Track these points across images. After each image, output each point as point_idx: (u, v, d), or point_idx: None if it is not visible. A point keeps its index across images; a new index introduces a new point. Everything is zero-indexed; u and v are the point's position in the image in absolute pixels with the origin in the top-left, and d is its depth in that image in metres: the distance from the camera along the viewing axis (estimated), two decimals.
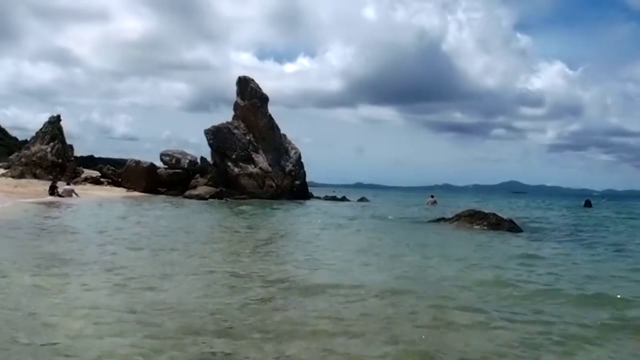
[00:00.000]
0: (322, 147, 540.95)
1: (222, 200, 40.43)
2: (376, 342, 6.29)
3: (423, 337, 6.54)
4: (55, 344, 5.69)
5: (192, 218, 24.22)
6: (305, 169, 50.81)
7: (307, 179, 52.07)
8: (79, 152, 65.88)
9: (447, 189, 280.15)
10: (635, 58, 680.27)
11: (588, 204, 58.88)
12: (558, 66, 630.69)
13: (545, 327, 7.08)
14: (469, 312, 7.78)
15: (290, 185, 47.99)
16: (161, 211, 27.24)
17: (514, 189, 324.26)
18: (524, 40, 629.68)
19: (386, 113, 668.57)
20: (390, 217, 29.46)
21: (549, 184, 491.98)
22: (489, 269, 11.84)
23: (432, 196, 50.56)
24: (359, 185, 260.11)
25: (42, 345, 5.64)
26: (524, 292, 9.36)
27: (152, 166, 45.91)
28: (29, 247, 12.35)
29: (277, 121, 50.46)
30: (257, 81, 50.47)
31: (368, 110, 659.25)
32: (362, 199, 54.68)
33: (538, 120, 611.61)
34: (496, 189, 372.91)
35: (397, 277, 10.61)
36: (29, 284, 8.40)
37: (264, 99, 49.75)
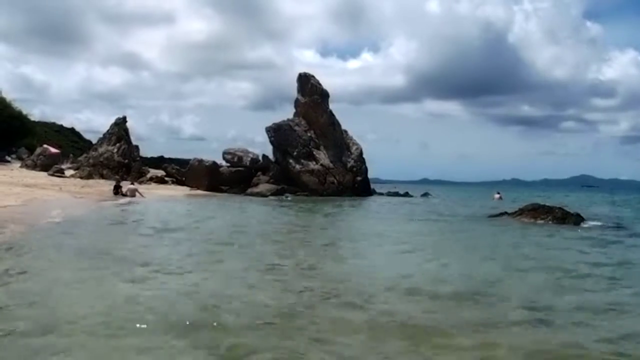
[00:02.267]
0: (387, 143, 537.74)
1: (284, 197, 40.52)
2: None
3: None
4: None
5: (246, 216, 24.21)
6: (370, 165, 50.38)
7: (372, 176, 51.74)
8: (149, 153, 68.01)
9: (516, 183, 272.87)
10: None
11: None
12: (631, 55, 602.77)
13: None
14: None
15: (352, 181, 47.60)
16: (213, 209, 27.40)
17: (585, 183, 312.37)
18: (594, 28, 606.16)
19: (451, 107, 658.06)
20: (447, 213, 28.72)
21: (622, 177, 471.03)
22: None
23: (498, 192, 49.56)
24: (424, 181, 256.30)
25: None
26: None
27: (215, 165, 46.41)
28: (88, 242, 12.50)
29: (341, 118, 50.30)
30: (320, 78, 50.40)
31: (433, 105, 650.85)
32: (425, 194, 53.95)
33: (610, 112, 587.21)
34: (566, 183, 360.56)
35: (446, 276, 10.13)
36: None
37: (324, 95, 49.54)
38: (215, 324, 6.31)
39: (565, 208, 23.17)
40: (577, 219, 21.72)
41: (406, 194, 52.27)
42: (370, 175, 51.43)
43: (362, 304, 7.52)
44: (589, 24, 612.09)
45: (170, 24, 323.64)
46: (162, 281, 8.65)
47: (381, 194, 51.52)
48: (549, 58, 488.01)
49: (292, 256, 11.77)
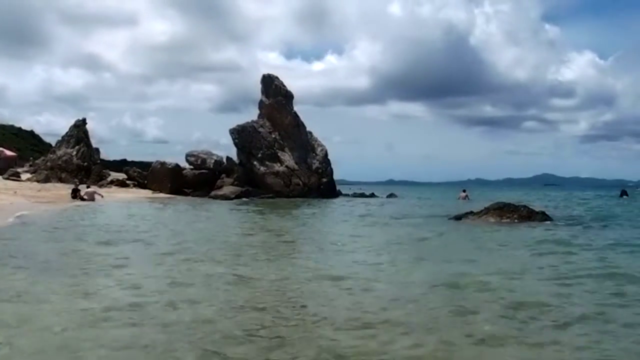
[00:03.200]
0: (353, 144, 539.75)
1: (248, 200, 39.98)
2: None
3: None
4: None
5: (205, 220, 23.65)
6: (336, 167, 50.18)
7: (338, 177, 51.55)
8: (111, 156, 66.59)
9: (480, 183, 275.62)
10: None
11: (624, 194, 57.35)
12: (588, 56, 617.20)
13: None
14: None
15: (318, 182, 47.27)
16: (179, 212, 26.75)
17: (547, 182, 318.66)
18: (552, 31, 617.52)
19: (415, 109, 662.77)
20: (416, 212, 28.67)
21: (583, 175, 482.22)
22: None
23: (464, 191, 49.58)
24: (390, 182, 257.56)
25: None
26: None
27: (177, 167, 45.59)
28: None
29: (306, 120, 49.95)
30: (284, 80, 49.92)
31: (397, 107, 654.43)
32: (391, 195, 53.96)
33: (570, 112, 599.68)
34: (529, 182, 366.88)
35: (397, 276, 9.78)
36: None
37: (288, 97, 49.10)
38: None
39: (531, 206, 23.16)
40: (542, 217, 21.76)
41: (372, 195, 52.30)
42: (336, 177, 51.32)
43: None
44: (547, 26, 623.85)
45: (133, 25, 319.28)
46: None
47: (347, 195, 51.34)
48: (509, 60, 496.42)
49: (233, 264, 11.17)
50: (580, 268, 10.72)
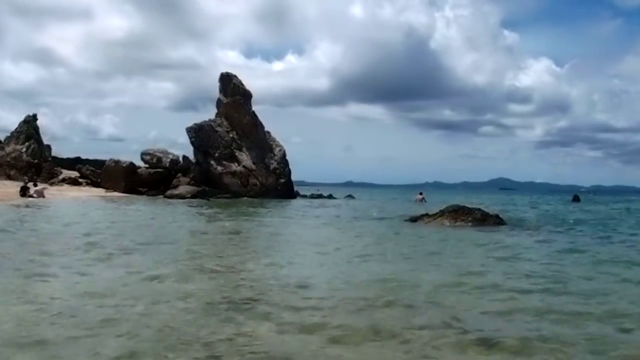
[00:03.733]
0: (312, 146, 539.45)
1: (204, 200, 39.40)
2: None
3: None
4: None
5: (158, 218, 23.10)
6: (295, 168, 49.89)
7: (297, 178, 51.36)
8: (64, 153, 64.71)
9: (437, 186, 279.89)
10: (621, 55, 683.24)
11: (576, 199, 58.85)
12: (545, 63, 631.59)
13: None
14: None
15: (275, 183, 46.93)
16: (128, 211, 26.12)
17: (503, 186, 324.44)
18: (511, 37, 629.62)
19: (375, 111, 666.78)
20: (372, 214, 28.69)
21: (537, 180, 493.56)
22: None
23: (421, 193, 50.14)
24: (349, 184, 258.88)
25: None
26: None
27: (132, 166, 44.71)
28: None
29: (266, 120, 49.56)
30: (244, 79, 49.45)
31: (357, 109, 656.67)
32: (349, 197, 54.07)
33: (526, 117, 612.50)
34: (486, 186, 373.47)
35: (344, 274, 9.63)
36: None
37: (247, 96, 48.63)
38: None
39: (485, 210, 23.34)
40: (496, 220, 21.94)
41: (330, 197, 52.22)
42: (295, 178, 51.13)
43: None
44: (506, 32, 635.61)
45: (88, 19, 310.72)
46: None
47: (305, 196, 51.15)
48: (468, 64, 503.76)
49: (173, 263, 10.85)
50: (516, 271, 10.84)
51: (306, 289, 8.58)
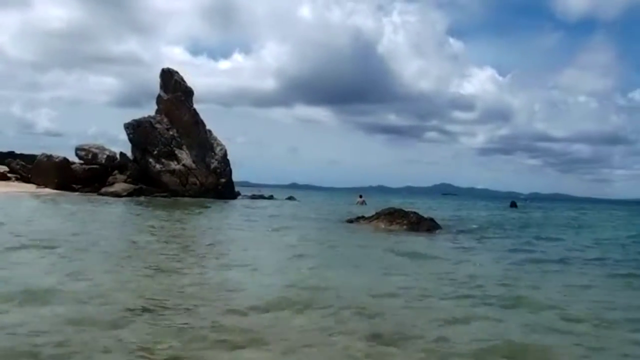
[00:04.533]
0: (257, 146, 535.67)
1: (140, 198, 38.35)
2: None
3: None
4: None
5: (80, 215, 22.24)
6: (240, 168, 49.37)
7: (241, 179, 50.86)
8: None
9: (381, 190, 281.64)
10: (560, 67, 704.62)
11: (513, 205, 60.25)
12: (488, 72, 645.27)
13: None
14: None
15: (216, 183, 46.08)
16: (53, 208, 25.06)
17: (445, 191, 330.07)
18: (456, 45, 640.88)
19: (321, 113, 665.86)
20: (309, 215, 28.51)
21: (478, 187, 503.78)
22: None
23: (361, 196, 50.43)
24: (294, 186, 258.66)
25: None
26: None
27: (65, 161, 43.08)
28: None
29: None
30: (190, 77, 48.51)
31: (303, 110, 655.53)
32: (290, 198, 53.84)
33: (469, 124, 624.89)
34: (428, 190, 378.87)
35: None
36: None
37: (188, 93, 47.62)
38: None
39: (422, 214, 23.36)
40: (431, 224, 21.96)
41: (271, 197, 51.93)
42: (239, 178, 50.56)
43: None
44: (452, 40, 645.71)
45: (25, 7, 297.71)
46: None
47: (246, 196, 50.57)
48: (414, 70, 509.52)
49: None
50: (423, 272, 10.85)
51: (226, 292, 8.21)
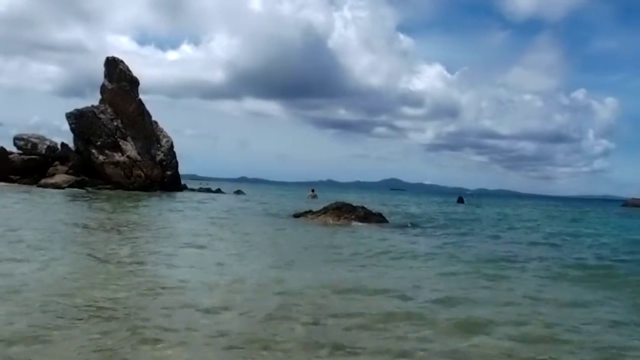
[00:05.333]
0: (206, 139, 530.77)
1: (82, 190, 37.11)
2: None
3: None
4: None
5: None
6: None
7: (190, 172, 50.28)
8: None
9: (331, 184, 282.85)
10: (507, 65, 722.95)
11: (460, 201, 61.12)
12: (437, 69, 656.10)
13: None
14: None
15: (161, 175, 45.08)
16: None
17: (394, 186, 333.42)
18: (406, 41, 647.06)
19: (271, 107, 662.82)
20: (256, 209, 28.13)
21: (427, 182, 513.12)
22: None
23: (313, 190, 50.35)
24: (243, 180, 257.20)
25: None
26: None
27: (2, 151, 41.34)
28: None
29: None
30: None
31: (253, 104, 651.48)
32: (238, 192, 53.19)
33: (418, 120, 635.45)
34: (377, 185, 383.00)
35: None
36: None
37: (133, 83, 46.31)
38: None
39: (369, 208, 23.21)
40: (379, 218, 21.85)
41: (218, 191, 51.21)
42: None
43: None
44: (401, 36, 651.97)
45: None
46: None
47: (193, 189, 49.68)
48: (364, 65, 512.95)
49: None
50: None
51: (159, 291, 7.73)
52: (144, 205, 27.11)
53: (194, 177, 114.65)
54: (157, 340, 5.36)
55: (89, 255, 10.48)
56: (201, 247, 12.71)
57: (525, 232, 22.27)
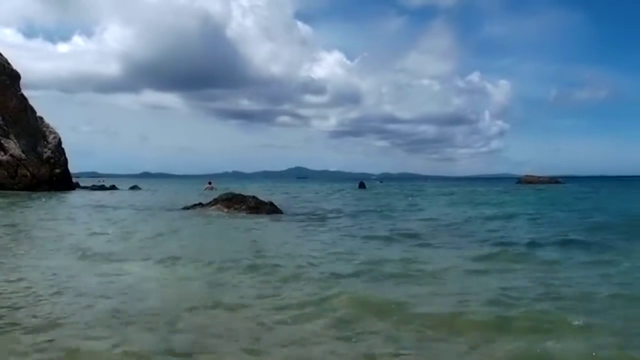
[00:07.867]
0: (105, 135, 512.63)
1: None
2: None
3: None
4: None
5: None
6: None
7: (89, 169, 49.35)
8: None
9: (237, 175, 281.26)
10: (405, 50, 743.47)
11: (362, 186, 62.24)
12: (337, 56, 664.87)
13: None
14: None
15: (49, 174, 42.88)
16: None
17: (300, 175, 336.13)
18: (304, 29, 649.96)
19: (171, 100, 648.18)
20: (142, 205, 27.30)
21: (332, 169, 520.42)
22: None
23: (210, 182, 49.85)
24: (146, 175, 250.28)
25: None
26: None
27: None
28: None
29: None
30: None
31: (151, 97, 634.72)
32: (134, 187, 51.63)
33: (321, 108, 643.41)
34: (284, 174, 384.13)
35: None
36: None
37: (14, 77, 43.66)
38: None
39: (260, 198, 22.93)
40: (271, 208, 21.60)
41: (112, 187, 49.42)
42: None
43: None
44: (300, 24, 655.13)
45: None
46: None
47: (85, 187, 47.56)
48: (265, 54, 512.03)
49: None
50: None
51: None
52: (29, 207, 25.42)
53: (94, 175, 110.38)
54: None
55: None
56: (72, 246, 11.99)
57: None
